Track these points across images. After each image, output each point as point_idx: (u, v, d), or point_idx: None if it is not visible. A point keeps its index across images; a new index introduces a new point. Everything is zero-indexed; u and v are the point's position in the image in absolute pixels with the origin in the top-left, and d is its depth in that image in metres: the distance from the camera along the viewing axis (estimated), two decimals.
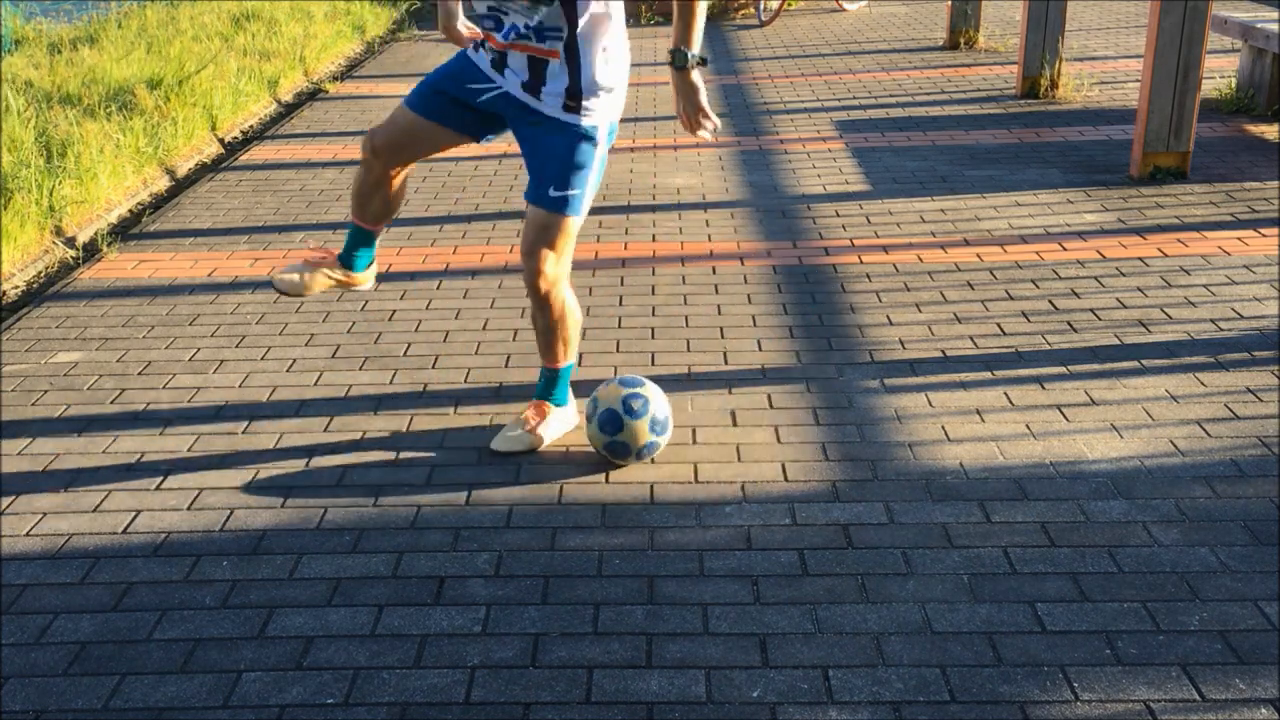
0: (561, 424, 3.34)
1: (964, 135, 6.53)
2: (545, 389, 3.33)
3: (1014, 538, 2.81)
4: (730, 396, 3.56)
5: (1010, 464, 3.14)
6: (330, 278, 3.38)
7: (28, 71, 7.27)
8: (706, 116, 3.03)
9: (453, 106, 3.12)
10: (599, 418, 3.13)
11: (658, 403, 3.15)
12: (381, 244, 5.01)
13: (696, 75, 3.00)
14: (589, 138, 3.03)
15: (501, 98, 3.06)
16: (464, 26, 3.25)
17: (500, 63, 3.02)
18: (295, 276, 3.33)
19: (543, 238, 3.05)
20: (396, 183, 3.26)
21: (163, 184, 6.16)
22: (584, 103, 2.99)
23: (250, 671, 2.42)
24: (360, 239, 3.36)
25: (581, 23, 2.90)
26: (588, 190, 3.07)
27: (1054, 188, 5.51)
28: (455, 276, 4.62)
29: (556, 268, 3.09)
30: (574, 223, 3.08)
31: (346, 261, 3.38)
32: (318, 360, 3.91)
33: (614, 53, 3.01)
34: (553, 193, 3.03)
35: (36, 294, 4.67)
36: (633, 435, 3.11)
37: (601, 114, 3.03)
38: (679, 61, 2.99)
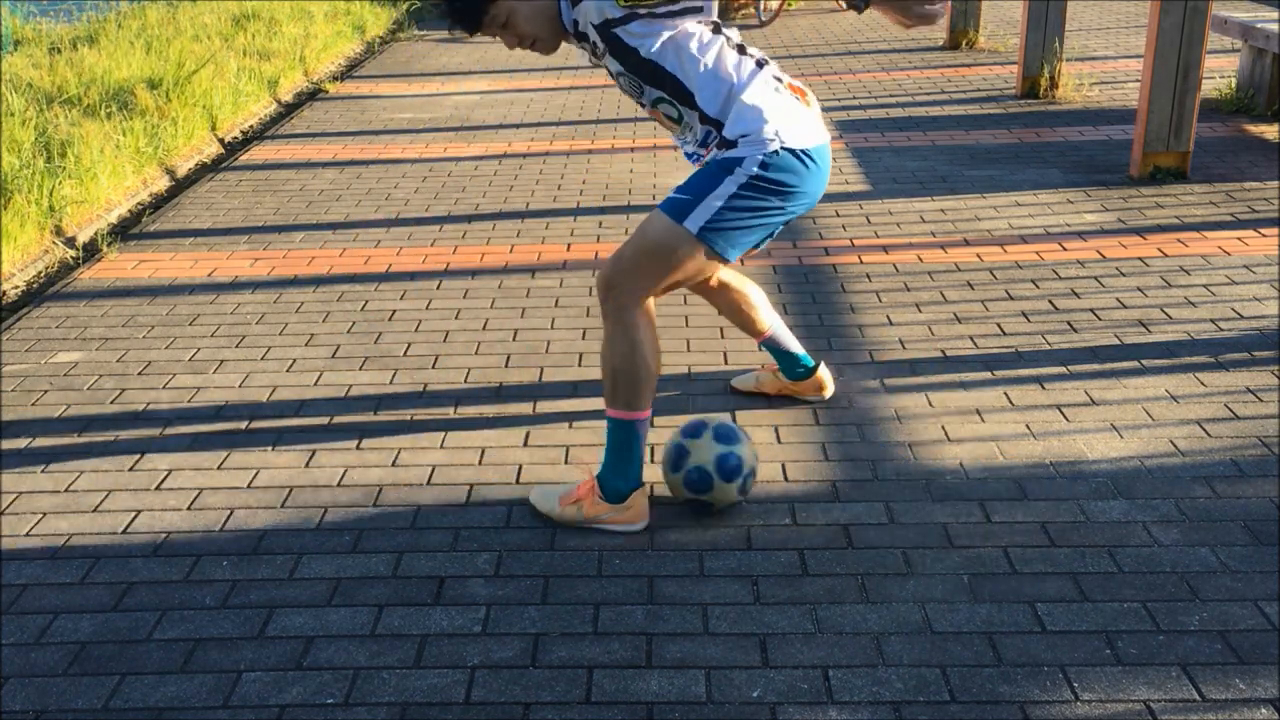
0: (613, 518, 2.87)
1: (964, 135, 6.53)
2: (613, 456, 2.89)
3: (1014, 538, 2.81)
4: (730, 397, 3.56)
5: (1010, 464, 3.14)
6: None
7: (28, 71, 7.26)
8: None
9: None
10: (688, 473, 2.85)
11: (750, 460, 2.89)
12: (382, 244, 5.02)
13: None
14: (730, 165, 2.75)
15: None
16: None
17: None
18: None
19: (635, 239, 2.81)
20: (728, 292, 3.27)
21: (163, 184, 6.16)
22: (741, 136, 2.73)
23: (250, 671, 2.42)
24: (774, 349, 3.42)
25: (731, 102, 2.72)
26: (705, 207, 2.73)
27: (1054, 188, 5.51)
28: (455, 276, 4.62)
29: (623, 280, 2.80)
30: (670, 229, 2.75)
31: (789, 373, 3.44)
32: (318, 360, 3.91)
33: (706, 56, 2.74)
34: (668, 206, 2.77)
35: (36, 294, 4.67)
36: (722, 496, 2.88)
37: (750, 140, 2.72)
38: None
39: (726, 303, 3.34)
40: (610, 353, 2.80)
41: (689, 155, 2.92)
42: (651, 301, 2.84)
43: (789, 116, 2.76)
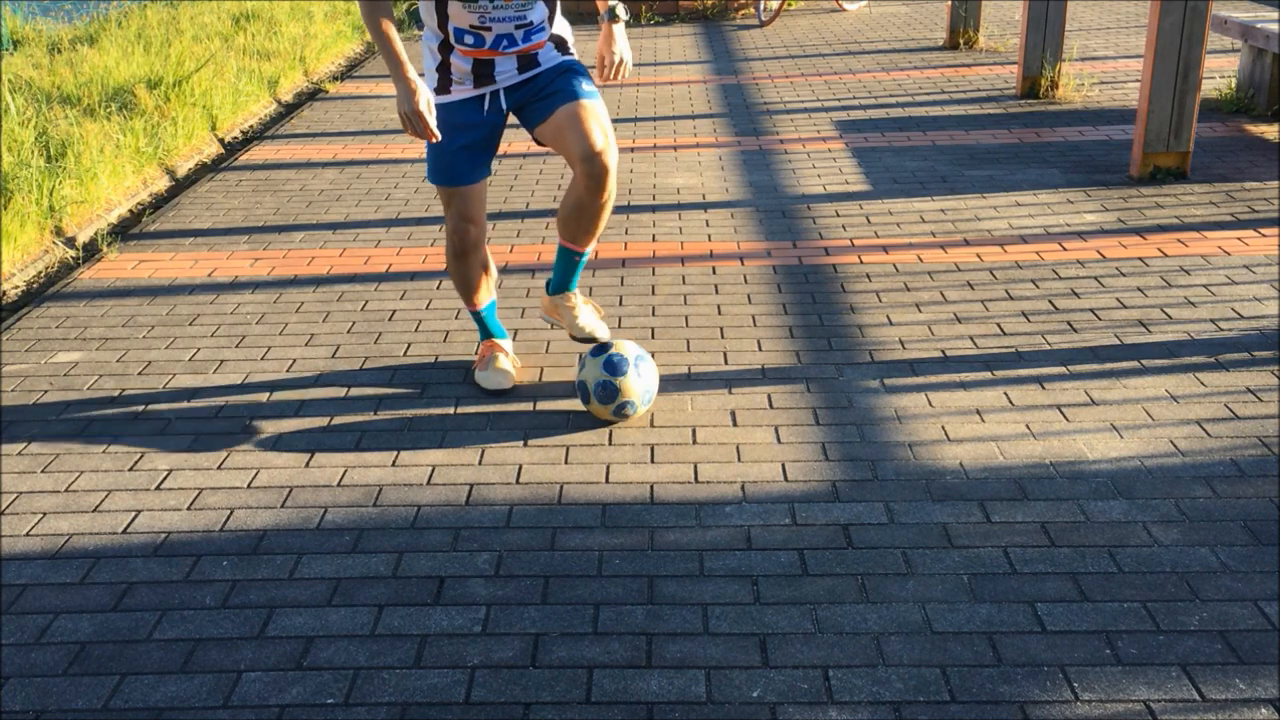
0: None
1: (964, 135, 6.53)
2: (567, 277, 3.62)
3: (1014, 538, 2.81)
4: (730, 396, 3.56)
5: (1010, 464, 3.14)
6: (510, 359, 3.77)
7: (28, 71, 7.27)
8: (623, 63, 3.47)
9: (481, 153, 3.43)
10: (598, 395, 3.35)
11: (628, 355, 3.37)
12: (382, 244, 5.02)
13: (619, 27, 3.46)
14: (578, 62, 3.42)
15: (499, 96, 3.36)
16: (427, 107, 3.14)
17: (486, 72, 3.30)
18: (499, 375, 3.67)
19: (605, 121, 3.31)
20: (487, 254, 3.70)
21: (163, 184, 6.16)
22: (568, 43, 3.42)
23: (250, 671, 2.42)
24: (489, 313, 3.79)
25: (558, 13, 3.37)
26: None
27: (1054, 188, 5.51)
28: None
29: (613, 152, 3.33)
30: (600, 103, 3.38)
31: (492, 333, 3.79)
32: (318, 360, 3.91)
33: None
34: (587, 86, 3.34)
35: (36, 294, 4.67)
36: (629, 391, 3.35)
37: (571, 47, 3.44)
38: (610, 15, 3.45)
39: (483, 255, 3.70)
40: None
41: (488, 44, 3.27)
42: None
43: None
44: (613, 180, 3.32)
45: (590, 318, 3.68)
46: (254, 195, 5.83)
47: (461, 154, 3.38)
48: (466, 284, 3.62)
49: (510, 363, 3.69)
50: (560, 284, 3.63)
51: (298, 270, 4.75)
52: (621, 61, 3.44)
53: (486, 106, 3.35)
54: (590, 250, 3.56)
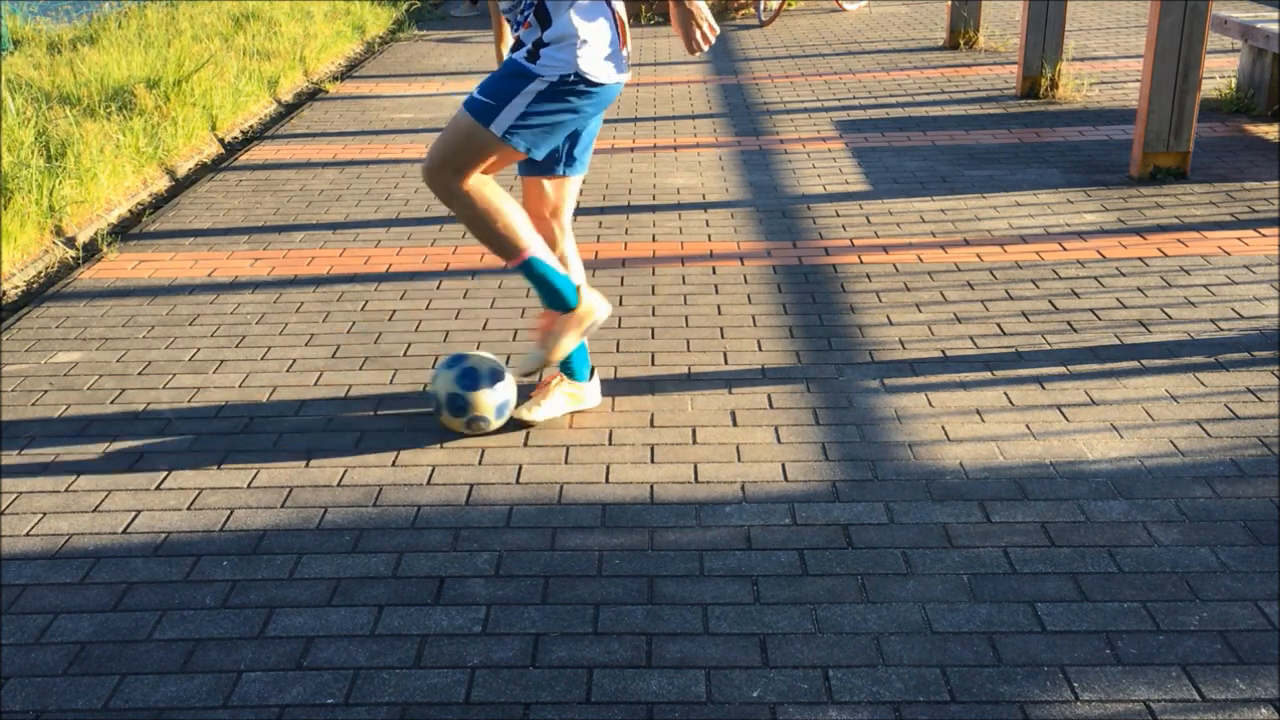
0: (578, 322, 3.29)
1: (964, 135, 6.53)
2: (546, 294, 3.25)
3: (1014, 538, 2.81)
4: (730, 396, 3.56)
5: (1010, 464, 3.14)
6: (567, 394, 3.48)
7: (28, 71, 7.27)
8: (713, 29, 3.05)
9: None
10: (449, 406, 3.29)
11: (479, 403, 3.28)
12: (382, 244, 5.02)
13: None
14: (528, 74, 3.02)
15: None
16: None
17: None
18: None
19: (442, 135, 3.09)
20: (567, 263, 3.41)
21: (163, 184, 6.16)
22: (542, 51, 3.01)
23: (250, 671, 2.42)
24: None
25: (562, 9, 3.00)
26: (505, 108, 3.01)
27: (1054, 188, 5.51)
28: (455, 276, 4.63)
29: (441, 171, 3.06)
30: (470, 125, 3.03)
31: (568, 373, 3.48)
32: (318, 360, 3.91)
33: (589, 10, 3.02)
34: (474, 93, 3.06)
35: (36, 294, 4.67)
36: (478, 405, 3.28)
37: (559, 63, 3.01)
38: None
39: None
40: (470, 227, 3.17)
41: (511, 20, 3.12)
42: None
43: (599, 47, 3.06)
44: (434, 186, 3.10)
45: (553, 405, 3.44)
46: (254, 195, 5.83)
47: None
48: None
49: (563, 403, 3.47)
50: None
51: (298, 270, 4.75)
52: (695, 31, 3.03)
53: None
54: (516, 263, 3.20)
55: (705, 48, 3.06)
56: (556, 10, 3.00)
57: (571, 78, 3.02)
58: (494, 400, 3.31)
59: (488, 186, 3.12)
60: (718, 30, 3.07)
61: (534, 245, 3.18)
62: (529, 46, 3.04)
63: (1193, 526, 2.84)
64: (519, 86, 3.02)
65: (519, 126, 3.04)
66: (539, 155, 3.13)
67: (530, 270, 3.20)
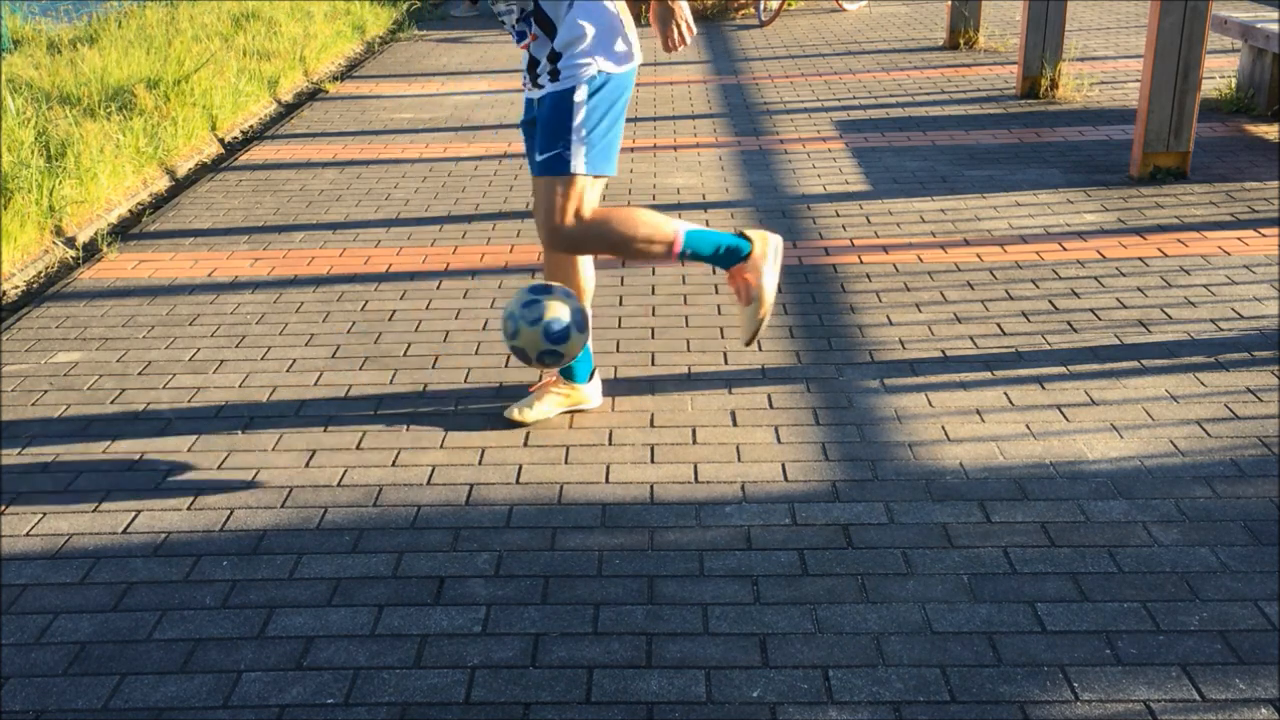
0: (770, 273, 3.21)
1: (964, 135, 6.53)
2: (720, 258, 3.19)
3: (1014, 538, 2.81)
4: (730, 396, 3.56)
5: (1010, 464, 3.14)
6: (558, 394, 3.45)
7: (28, 71, 7.27)
8: (690, 29, 3.07)
9: (529, 145, 3.24)
10: (547, 324, 3.07)
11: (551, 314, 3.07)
12: (382, 244, 5.02)
13: None
14: (565, 95, 3.02)
15: (532, 105, 3.18)
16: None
17: (531, 76, 3.14)
18: (526, 409, 3.42)
19: (544, 203, 3.09)
20: (578, 260, 3.35)
21: (163, 184, 6.16)
22: (560, 65, 3.02)
23: (250, 671, 2.42)
24: None
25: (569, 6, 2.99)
26: (577, 141, 3.03)
27: (1054, 188, 5.51)
28: (455, 276, 4.63)
29: (567, 230, 3.08)
30: (561, 181, 3.05)
31: (567, 375, 3.46)
32: (318, 360, 3.91)
33: (588, 7, 3.01)
34: (539, 156, 3.08)
35: (36, 294, 4.67)
36: (575, 347, 3.11)
37: (580, 69, 3.02)
38: None
39: (575, 270, 3.38)
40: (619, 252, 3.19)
41: (514, 31, 3.11)
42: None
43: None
44: (561, 246, 3.14)
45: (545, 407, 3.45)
46: (254, 195, 5.83)
47: (526, 142, 3.30)
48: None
49: (557, 403, 3.46)
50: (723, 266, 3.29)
51: (298, 270, 4.75)
52: (674, 30, 3.06)
53: (525, 112, 3.24)
54: (676, 256, 3.18)
55: (680, 47, 3.09)
56: (556, 12, 2.99)
57: (598, 77, 3.03)
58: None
59: (599, 209, 3.14)
60: (695, 30, 3.08)
61: (677, 226, 3.15)
62: (547, 66, 3.04)
63: (1193, 526, 2.84)
64: (564, 115, 3.03)
65: (590, 153, 3.06)
66: (614, 166, 3.15)
67: (694, 247, 3.16)
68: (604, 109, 3.07)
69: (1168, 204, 5.22)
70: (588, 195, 3.10)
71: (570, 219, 3.08)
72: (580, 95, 3.02)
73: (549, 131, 3.05)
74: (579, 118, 3.03)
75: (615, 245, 3.15)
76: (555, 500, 3.03)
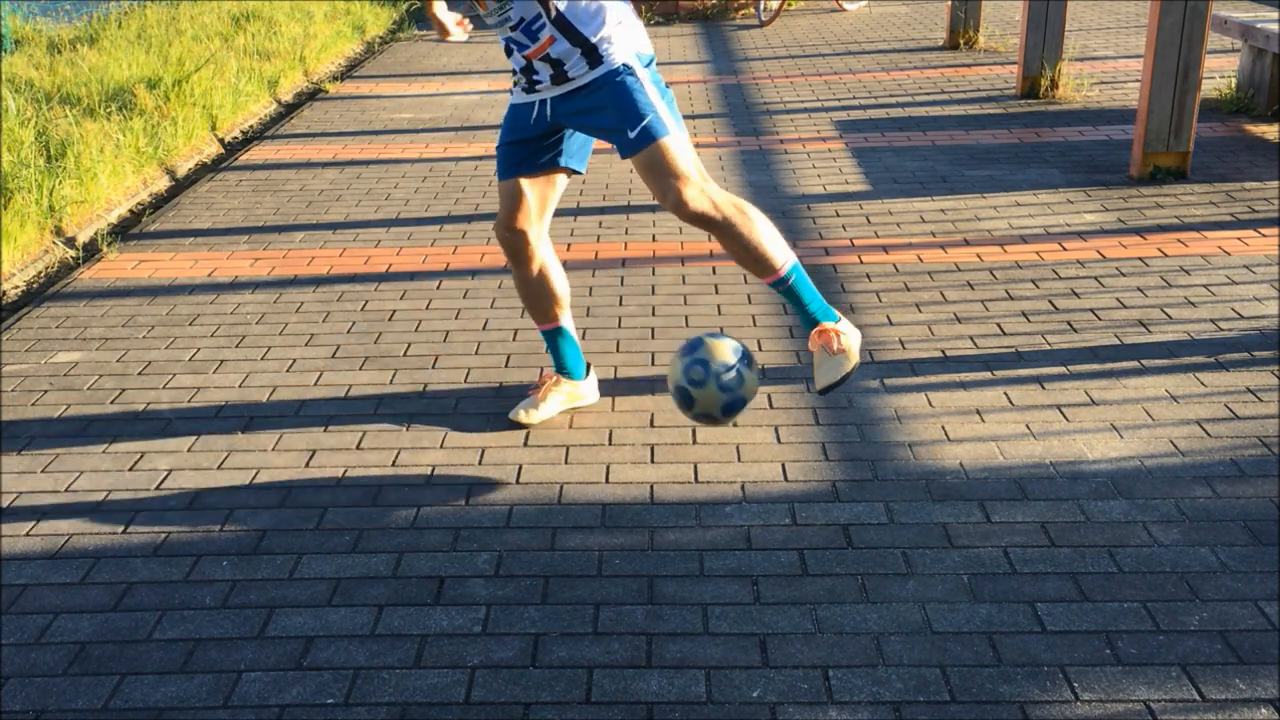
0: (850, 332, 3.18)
1: (964, 135, 6.53)
2: (804, 309, 3.15)
3: (1014, 538, 2.81)
4: None
5: (1010, 464, 3.14)
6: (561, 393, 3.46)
7: (28, 71, 7.27)
8: None
9: (523, 150, 3.22)
10: (677, 398, 3.00)
11: (717, 356, 2.95)
12: (382, 244, 5.02)
13: None
14: (626, 72, 3.03)
15: (545, 105, 3.14)
16: (444, 14, 3.23)
17: (530, 82, 3.12)
18: (531, 410, 3.42)
19: (659, 174, 3.01)
20: (549, 268, 3.35)
21: (163, 184, 6.16)
22: (599, 50, 3.01)
23: (250, 671, 2.42)
24: (555, 340, 3.46)
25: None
26: (660, 109, 3.03)
27: (1054, 188, 5.51)
28: (455, 276, 4.63)
29: (694, 187, 3.00)
30: (671, 141, 3.01)
31: (564, 372, 3.48)
32: (318, 360, 3.91)
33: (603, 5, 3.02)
34: (631, 134, 3.01)
35: (36, 294, 4.67)
36: (709, 402, 2.95)
37: (621, 49, 3.03)
38: None
39: (548, 274, 3.38)
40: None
41: (514, 56, 3.11)
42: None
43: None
44: (709, 217, 3.01)
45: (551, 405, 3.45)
46: (254, 195, 5.83)
47: (503, 149, 3.25)
48: (522, 296, 3.42)
49: (561, 402, 3.45)
50: (810, 321, 3.19)
51: (298, 270, 4.75)
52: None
53: (534, 115, 3.16)
54: (779, 275, 3.09)
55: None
56: (575, 15, 2.96)
57: (636, 57, 3.06)
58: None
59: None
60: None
61: (791, 255, 3.11)
62: (579, 58, 3.00)
63: (1193, 526, 2.84)
64: (631, 88, 3.02)
65: (671, 111, 3.08)
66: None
67: (800, 277, 3.11)
68: (655, 77, 3.11)
69: (1168, 204, 5.22)
70: (688, 151, 3.05)
71: (691, 169, 3.02)
72: (636, 67, 3.05)
73: (622, 110, 3.01)
74: (647, 85, 3.05)
75: (738, 231, 3.04)
76: (555, 500, 3.03)
